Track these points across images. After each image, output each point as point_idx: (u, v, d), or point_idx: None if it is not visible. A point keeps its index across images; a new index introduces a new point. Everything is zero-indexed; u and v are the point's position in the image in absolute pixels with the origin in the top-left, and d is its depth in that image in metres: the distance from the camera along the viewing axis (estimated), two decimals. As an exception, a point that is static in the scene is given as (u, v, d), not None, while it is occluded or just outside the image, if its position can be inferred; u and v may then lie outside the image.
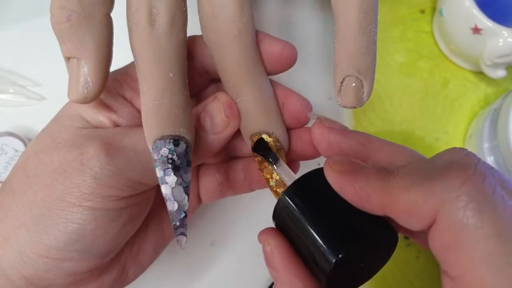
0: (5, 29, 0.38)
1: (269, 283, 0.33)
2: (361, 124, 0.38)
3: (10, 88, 0.36)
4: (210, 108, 0.23)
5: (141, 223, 0.24)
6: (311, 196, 0.20)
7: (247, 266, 0.34)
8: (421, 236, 0.21)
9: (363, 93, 0.21)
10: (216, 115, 0.23)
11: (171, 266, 0.33)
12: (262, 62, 0.23)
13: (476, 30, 0.35)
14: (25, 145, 0.33)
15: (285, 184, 0.23)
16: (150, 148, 0.20)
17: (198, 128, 0.22)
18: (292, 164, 0.24)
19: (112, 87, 0.23)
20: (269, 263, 0.20)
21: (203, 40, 0.23)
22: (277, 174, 0.23)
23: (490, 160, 0.35)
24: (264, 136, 0.23)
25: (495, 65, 0.35)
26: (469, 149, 0.37)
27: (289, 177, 0.22)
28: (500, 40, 0.34)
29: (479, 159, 0.17)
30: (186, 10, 0.21)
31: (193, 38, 0.24)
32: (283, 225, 0.20)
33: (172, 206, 0.20)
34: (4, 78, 0.36)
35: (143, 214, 0.24)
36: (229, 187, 0.27)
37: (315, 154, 0.24)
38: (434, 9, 0.41)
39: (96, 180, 0.20)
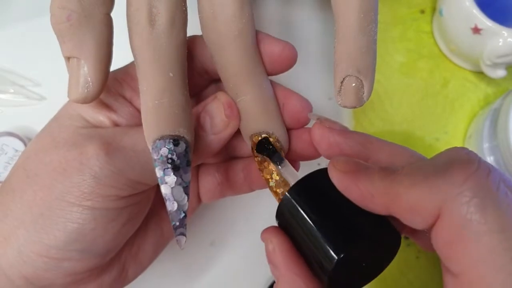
0: (5, 29, 0.38)
1: (269, 283, 0.33)
2: (361, 124, 0.38)
3: (10, 88, 0.36)
4: (210, 108, 0.23)
5: (141, 222, 0.24)
6: (314, 196, 0.20)
7: (247, 266, 0.34)
8: (423, 237, 0.21)
9: (363, 93, 0.21)
10: (216, 115, 0.23)
11: (171, 265, 0.33)
12: (262, 62, 0.23)
13: (476, 30, 0.35)
14: (25, 145, 0.33)
15: (285, 184, 0.23)
16: (150, 148, 0.20)
17: (198, 128, 0.22)
18: (292, 164, 0.24)
19: (112, 87, 0.23)
20: (271, 261, 0.20)
21: (203, 40, 0.23)
22: (277, 175, 0.23)
23: (490, 160, 0.35)
24: (264, 137, 0.23)
25: (495, 65, 0.35)
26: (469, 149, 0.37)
27: (294, 177, 0.22)
28: (500, 40, 0.34)
29: (480, 157, 0.17)
30: (186, 10, 0.21)
31: (193, 38, 0.24)
32: (286, 224, 0.20)
33: (171, 206, 0.20)
34: (4, 78, 0.36)
35: (142, 214, 0.24)
36: (229, 187, 0.27)
37: (315, 155, 0.24)
38: (434, 9, 0.41)
39: (95, 180, 0.20)
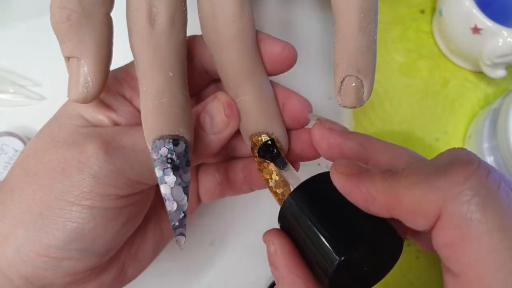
0: (5, 29, 0.38)
1: (269, 283, 0.33)
2: (361, 124, 0.38)
3: (10, 88, 0.36)
4: (210, 107, 0.23)
5: (141, 222, 0.24)
6: (316, 199, 0.20)
7: (247, 266, 0.34)
8: (425, 238, 0.21)
9: (363, 93, 0.21)
10: (216, 114, 0.23)
11: (170, 265, 0.33)
12: (262, 63, 0.23)
13: (476, 30, 0.35)
14: (25, 145, 0.33)
15: (285, 185, 0.23)
16: (150, 147, 0.20)
17: (197, 128, 0.22)
18: (292, 165, 0.24)
19: (112, 86, 0.23)
20: (272, 263, 0.20)
21: (203, 40, 0.23)
22: (276, 175, 0.23)
23: (489, 160, 0.35)
24: (264, 137, 0.23)
25: (495, 65, 0.35)
26: (469, 149, 0.37)
27: (296, 181, 0.22)
28: (500, 40, 0.34)
29: (480, 158, 0.17)
30: (186, 10, 0.21)
31: (193, 38, 0.24)
32: (288, 227, 0.20)
33: (171, 206, 0.20)
34: (4, 78, 0.36)
35: (142, 213, 0.24)
36: (229, 187, 0.27)
37: (315, 155, 0.24)
38: (434, 9, 0.41)
39: (95, 179, 0.20)
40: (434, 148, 0.38)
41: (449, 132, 0.38)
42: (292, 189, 0.21)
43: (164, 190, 0.20)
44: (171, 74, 0.20)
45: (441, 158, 0.18)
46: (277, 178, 0.23)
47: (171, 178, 0.20)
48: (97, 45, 0.20)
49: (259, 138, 0.23)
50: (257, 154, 0.23)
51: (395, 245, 0.19)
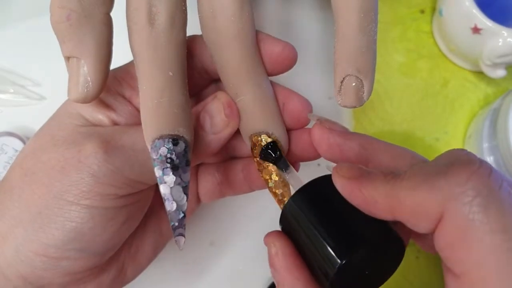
0: (5, 29, 0.38)
1: (269, 283, 0.33)
2: (361, 124, 0.38)
3: (10, 88, 0.36)
4: (210, 107, 0.23)
5: (140, 222, 0.24)
6: (318, 202, 0.20)
7: (246, 266, 0.34)
8: (427, 240, 0.21)
9: (363, 93, 0.21)
10: (216, 114, 0.23)
11: (170, 265, 0.33)
12: (262, 63, 0.23)
13: (476, 30, 0.35)
14: (25, 145, 0.33)
15: (284, 185, 0.23)
16: (149, 147, 0.20)
17: (197, 127, 0.22)
18: (292, 165, 0.24)
19: (111, 86, 0.23)
20: (272, 265, 0.20)
21: (203, 40, 0.23)
22: (276, 175, 0.23)
23: (489, 160, 0.35)
24: (264, 137, 0.23)
25: (495, 65, 0.35)
26: (469, 149, 0.37)
27: (298, 184, 0.22)
28: (500, 40, 0.34)
29: (480, 158, 0.17)
30: (185, 10, 0.21)
31: (193, 38, 0.24)
32: (290, 229, 0.20)
33: (170, 206, 0.20)
34: (4, 78, 0.36)
35: (141, 213, 0.24)
36: (229, 187, 0.27)
37: (315, 156, 0.24)
38: (433, 9, 0.41)
39: (94, 178, 0.20)
40: (434, 148, 0.38)
41: (449, 132, 0.38)
42: (292, 191, 0.21)
43: (164, 190, 0.20)
44: (171, 73, 0.20)
45: (442, 159, 0.18)
46: (276, 178, 0.23)
47: (170, 178, 0.20)
48: (97, 45, 0.20)
49: (259, 138, 0.23)
50: (258, 155, 0.23)
51: (397, 249, 0.19)
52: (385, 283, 0.20)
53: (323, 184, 0.20)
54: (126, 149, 0.21)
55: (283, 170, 0.23)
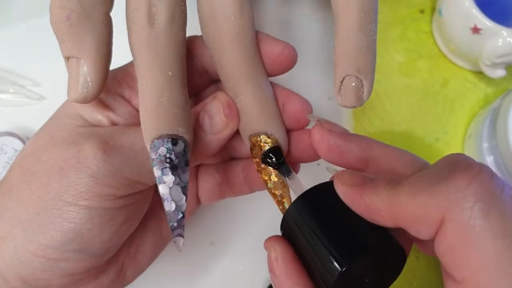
0: (5, 29, 0.38)
1: (269, 283, 0.33)
2: (361, 124, 0.38)
3: (10, 88, 0.36)
4: (209, 107, 0.23)
5: (139, 223, 0.24)
6: (319, 208, 0.20)
7: (246, 266, 0.34)
8: (430, 247, 0.21)
9: (363, 93, 0.21)
10: (215, 114, 0.22)
11: (170, 266, 0.33)
12: (262, 63, 0.23)
13: (476, 30, 0.35)
14: (25, 145, 0.33)
15: (283, 186, 0.23)
16: (148, 147, 0.20)
17: (197, 127, 0.22)
18: (292, 167, 0.24)
19: (111, 86, 0.23)
20: (272, 269, 0.20)
21: (203, 40, 0.23)
22: (275, 176, 0.23)
23: (489, 160, 0.35)
24: (263, 137, 0.23)
25: (495, 65, 0.35)
26: (469, 149, 0.37)
27: (300, 189, 0.22)
28: (500, 40, 0.34)
29: (481, 162, 0.17)
30: (185, 9, 0.21)
31: (193, 38, 0.24)
32: (290, 234, 0.20)
33: (169, 206, 0.20)
34: (4, 78, 0.36)
35: (141, 214, 0.24)
36: (229, 188, 0.27)
37: (315, 157, 0.24)
38: (433, 9, 0.41)
39: (92, 179, 0.20)
40: (434, 148, 0.38)
41: (449, 132, 0.38)
42: (294, 196, 0.21)
43: (163, 190, 0.20)
44: (170, 73, 0.20)
45: (442, 165, 0.18)
46: (276, 179, 0.23)
47: (169, 178, 0.19)
48: (97, 45, 0.20)
49: (258, 139, 0.23)
50: (257, 156, 0.23)
51: (397, 256, 0.19)
52: (385, 284, 0.20)
53: (325, 190, 0.20)
54: (125, 149, 0.21)
55: (285, 176, 0.23)
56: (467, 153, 0.37)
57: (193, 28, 0.23)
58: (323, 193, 0.20)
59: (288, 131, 0.24)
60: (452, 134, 0.38)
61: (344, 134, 0.22)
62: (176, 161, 0.20)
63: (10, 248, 0.21)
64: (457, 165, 0.17)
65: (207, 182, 0.28)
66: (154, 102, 0.20)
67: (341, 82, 0.21)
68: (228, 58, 0.22)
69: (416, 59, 0.40)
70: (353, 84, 0.21)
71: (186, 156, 0.20)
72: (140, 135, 0.21)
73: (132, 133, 0.21)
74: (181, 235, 0.20)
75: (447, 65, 0.40)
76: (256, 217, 0.35)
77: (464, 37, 0.36)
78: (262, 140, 0.23)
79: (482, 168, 0.16)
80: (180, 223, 0.20)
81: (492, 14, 0.34)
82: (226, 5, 0.21)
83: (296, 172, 0.26)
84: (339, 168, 0.22)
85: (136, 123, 0.21)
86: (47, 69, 0.36)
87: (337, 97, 0.22)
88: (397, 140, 0.38)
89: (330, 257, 0.18)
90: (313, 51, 0.39)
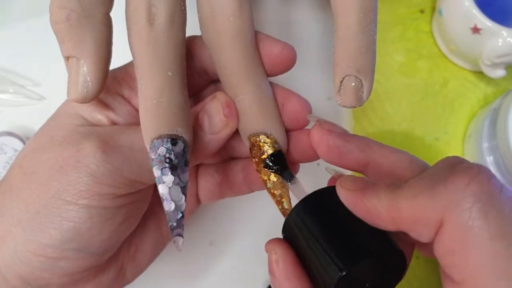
0: (5, 29, 0.38)
1: (268, 283, 0.33)
2: (360, 124, 0.38)
3: (10, 88, 0.36)
4: (208, 107, 0.23)
5: (139, 222, 0.24)
6: (321, 212, 0.20)
7: (246, 266, 0.34)
8: (431, 249, 0.21)
9: (363, 93, 0.21)
10: (215, 114, 0.22)
11: (170, 265, 0.33)
12: (262, 63, 0.23)
13: (476, 30, 0.35)
14: (24, 144, 0.33)
15: (282, 186, 0.23)
16: (148, 147, 0.20)
17: (196, 127, 0.22)
18: (291, 166, 0.24)
19: (111, 86, 0.23)
20: (272, 272, 0.20)
21: (202, 40, 0.23)
22: (274, 176, 0.23)
23: (489, 159, 0.35)
24: (262, 137, 0.23)
25: (495, 65, 0.35)
26: (469, 149, 0.37)
27: (302, 194, 0.22)
28: (500, 40, 0.34)
29: (479, 164, 0.17)
30: (185, 10, 0.21)
31: (193, 38, 0.24)
32: (292, 238, 0.20)
33: (169, 206, 0.20)
34: (4, 78, 0.36)
35: (140, 213, 0.24)
36: (229, 187, 0.27)
37: (314, 157, 0.24)
38: (433, 9, 0.41)
39: (92, 178, 0.20)
40: (434, 148, 0.38)
41: (449, 132, 0.38)
42: (296, 201, 0.21)
43: (162, 190, 0.20)
44: (170, 73, 0.20)
45: (440, 167, 0.18)
46: (275, 179, 0.23)
47: (169, 178, 0.20)
48: (96, 45, 0.20)
49: (258, 139, 0.23)
50: (257, 156, 0.23)
51: (398, 261, 0.19)
52: (384, 284, 0.20)
53: (327, 195, 0.20)
54: (124, 149, 0.21)
55: (287, 181, 0.23)
56: (467, 153, 0.37)
57: (193, 28, 0.23)
58: (325, 198, 0.20)
59: (288, 131, 0.24)
60: (452, 134, 0.38)
61: (344, 134, 0.22)
62: (175, 161, 0.20)
63: (10, 247, 0.21)
64: (456, 167, 0.17)
65: (206, 182, 0.28)
66: (153, 102, 0.20)
67: (341, 82, 0.21)
68: (228, 58, 0.22)
69: (416, 59, 0.40)
70: (353, 84, 0.21)
71: (186, 156, 0.20)
72: (140, 134, 0.21)
73: (132, 133, 0.21)
74: (181, 235, 0.20)
75: (447, 65, 0.40)
76: (255, 217, 0.35)
77: (464, 37, 0.36)
78: (262, 140, 0.23)
79: (481, 169, 0.16)
80: (180, 223, 0.20)
81: (492, 14, 0.34)
82: (225, 5, 0.21)
83: (296, 172, 0.26)
84: (339, 168, 0.22)
85: (136, 123, 0.21)
86: (47, 69, 0.36)
87: (337, 97, 0.22)
88: (397, 140, 0.38)
89: (331, 261, 0.18)
90: (313, 51, 0.39)
